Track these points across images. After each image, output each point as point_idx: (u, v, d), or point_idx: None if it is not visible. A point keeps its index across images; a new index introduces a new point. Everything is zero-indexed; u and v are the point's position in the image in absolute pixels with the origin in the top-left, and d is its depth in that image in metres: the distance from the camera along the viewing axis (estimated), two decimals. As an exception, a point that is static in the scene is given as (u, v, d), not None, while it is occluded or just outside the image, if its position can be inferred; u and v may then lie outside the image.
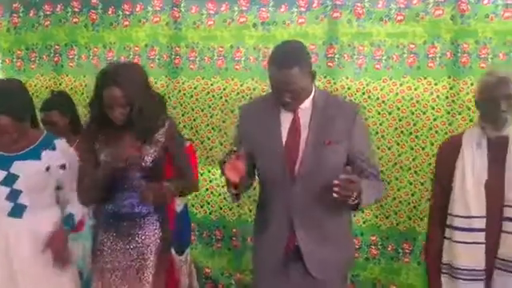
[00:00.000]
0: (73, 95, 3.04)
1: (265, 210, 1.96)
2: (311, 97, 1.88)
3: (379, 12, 2.76)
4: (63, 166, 2.04)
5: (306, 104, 1.87)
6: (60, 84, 3.15)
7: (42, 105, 2.57)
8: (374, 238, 2.82)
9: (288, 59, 1.78)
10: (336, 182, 1.66)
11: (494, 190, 1.94)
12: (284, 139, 1.87)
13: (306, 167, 1.84)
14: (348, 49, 2.80)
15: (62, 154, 2.05)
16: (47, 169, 1.99)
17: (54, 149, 2.02)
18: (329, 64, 2.81)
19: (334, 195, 1.66)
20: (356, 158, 1.87)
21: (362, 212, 2.81)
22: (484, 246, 1.93)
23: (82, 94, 3.11)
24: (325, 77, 2.81)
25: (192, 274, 2.75)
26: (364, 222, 2.82)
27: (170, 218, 2.37)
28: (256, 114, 1.96)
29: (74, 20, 3.15)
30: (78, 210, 2.08)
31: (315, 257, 1.86)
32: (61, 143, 2.07)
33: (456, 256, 1.97)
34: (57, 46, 3.18)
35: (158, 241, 2.05)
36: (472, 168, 1.96)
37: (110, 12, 3.09)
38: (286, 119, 1.89)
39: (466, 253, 1.95)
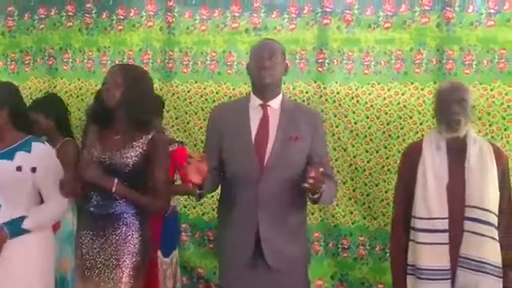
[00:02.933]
0: (67, 98, 3.11)
1: (231, 205, 2.05)
2: (280, 99, 2.05)
3: (368, 19, 2.84)
4: (34, 169, 2.03)
5: (276, 104, 2.03)
6: (54, 87, 3.18)
7: (29, 105, 2.62)
8: (362, 238, 2.90)
9: (271, 40, 2.13)
10: (312, 173, 1.76)
11: (455, 191, 2.05)
12: (253, 135, 2.00)
13: (273, 160, 1.96)
14: (337, 54, 2.88)
15: (37, 157, 2.05)
16: (18, 169, 2.00)
17: (29, 151, 2.04)
18: (319, 69, 2.89)
19: (306, 185, 1.77)
20: (315, 158, 2.01)
21: (351, 213, 2.89)
22: (448, 246, 2.03)
23: (77, 96, 3.15)
24: (315, 81, 2.89)
25: (177, 275, 2.78)
26: (353, 223, 2.90)
27: (158, 221, 2.42)
28: (226, 115, 2.10)
29: (69, 24, 3.19)
30: (49, 212, 2.10)
31: (276, 249, 1.95)
32: (39, 147, 2.08)
33: (420, 257, 2.06)
34: (51, 50, 3.21)
35: (136, 241, 2.07)
36: (433, 171, 2.08)
37: (104, 16, 3.14)
38: (255, 117, 2.03)
39: (429, 253, 2.04)
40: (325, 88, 2.88)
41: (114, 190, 1.97)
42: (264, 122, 2.00)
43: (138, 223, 2.08)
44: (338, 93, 2.88)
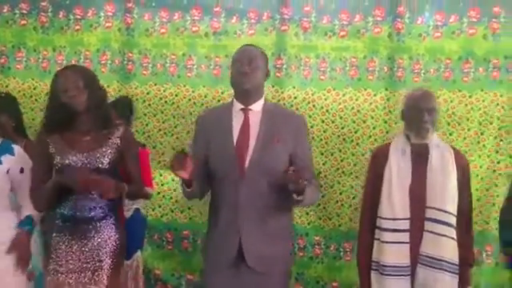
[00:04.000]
0: (20, 98, 3.01)
1: (215, 209, 2.09)
2: (262, 103, 2.07)
3: (324, 27, 2.96)
4: (22, 170, 2.07)
5: (257, 108, 2.05)
6: (7, 86, 3.08)
7: None
8: (317, 238, 3.00)
9: (251, 46, 2.14)
10: (292, 168, 1.81)
11: (417, 193, 2.17)
12: (235, 138, 2.02)
13: (254, 163, 1.98)
14: (295, 60, 2.98)
15: (20, 158, 2.08)
16: (7, 171, 2.02)
17: (13, 154, 2.05)
18: (277, 74, 2.98)
19: (291, 187, 1.81)
20: (298, 161, 2.04)
21: (307, 214, 2.99)
22: (409, 244, 2.15)
23: (31, 96, 3.07)
24: (273, 86, 2.97)
25: (138, 277, 2.78)
26: (308, 224, 3.00)
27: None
28: (211, 120, 2.13)
29: (22, 22, 3.11)
30: (33, 209, 2.10)
31: (257, 251, 1.98)
32: (18, 148, 2.11)
33: (384, 254, 2.18)
34: (3, 48, 3.11)
35: (115, 243, 2.10)
36: (397, 174, 2.20)
37: (60, 16, 3.08)
38: (237, 121, 2.05)
39: (392, 251, 2.16)
40: (282, 92, 2.97)
41: (125, 189, 2.05)
42: (245, 125, 2.03)
43: (115, 225, 2.11)
44: (295, 97, 2.97)
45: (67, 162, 2.00)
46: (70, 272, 2.04)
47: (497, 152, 2.90)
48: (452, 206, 2.17)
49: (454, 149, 2.30)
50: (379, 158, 2.28)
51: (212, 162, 2.06)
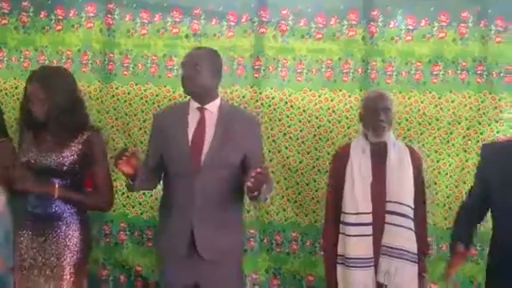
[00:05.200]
0: (2, 97, 3.06)
1: (168, 202, 2.20)
2: (218, 104, 2.19)
3: (301, 30, 3.06)
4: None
5: (213, 108, 2.17)
6: (-12, 86, 3.12)
7: None
8: (294, 234, 3.09)
9: (199, 49, 2.27)
10: (253, 173, 1.90)
11: (377, 189, 2.33)
12: (190, 135, 2.14)
13: (209, 161, 2.10)
14: (273, 62, 3.06)
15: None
16: None
17: None
18: (255, 75, 3.06)
19: (249, 184, 1.91)
20: (251, 158, 2.17)
21: (284, 211, 3.08)
22: (371, 237, 2.30)
23: (13, 96, 3.09)
24: (251, 87, 3.06)
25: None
26: (285, 220, 3.09)
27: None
28: (168, 117, 2.25)
29: (3, 22, 3.13)
30: None
31: (209, 242, 2.09)
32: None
33: (348, 248, 2.32)
34: (-16, 47, 3.14)
35: (77, 240, 2.15)
36: (359, 172, 2.36)
37: (42, 16, 3.11)
38: (193, 119, 2.18)
39: (356, 244, 2.31)
40: (261, 93, 3.06)
41: (56, 195, 2.04)
42: (201, 124, 2.15)
43: (78, 222, 2.15)
44: (273, 98, 3.06)
45: (25, 159, 2.07)
46: (32, 267, 2.10)
47: (465, 151, 3.03)
48: (409, 200, 2.34)
49: (409, 147, 2.48)
50: (341, 158, 2.45)
51: (167, 158, 2.18)
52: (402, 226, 2.31)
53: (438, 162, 3.02)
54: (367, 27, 3.05)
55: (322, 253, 2.45)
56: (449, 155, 3.02)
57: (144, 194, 3.08)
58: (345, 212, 2.37)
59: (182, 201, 2.13)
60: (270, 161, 3.06)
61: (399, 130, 3.00)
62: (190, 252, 2.10)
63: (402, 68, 3.05)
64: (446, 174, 3.02)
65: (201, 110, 2.17)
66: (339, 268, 2.37)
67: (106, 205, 2.32)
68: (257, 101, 3.05)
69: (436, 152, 3.02)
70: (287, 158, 3.05)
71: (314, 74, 3.07)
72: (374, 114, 2.36)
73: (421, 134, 3.02)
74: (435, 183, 3.01)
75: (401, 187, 2.34)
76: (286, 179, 3.07)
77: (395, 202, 2.32)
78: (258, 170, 1.92)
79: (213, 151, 2.11)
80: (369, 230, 2.32)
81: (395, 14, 3.07)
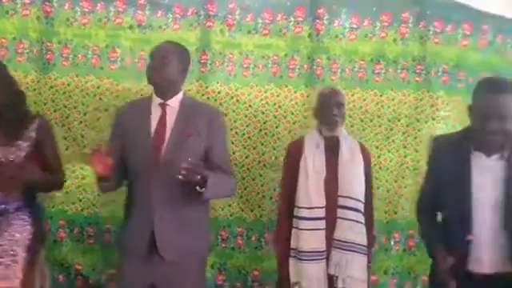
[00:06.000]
0: None
1: (130, 200, 2.16)
2: (180, 98, 2.17)
3: (248, 25, 3.05)
4: None
5: (174, 103, 2.14)
6: None
7: None
8: (239, 229, 3.09)
9: (168, 43, 2.23)
10: (183, 165, 1.88)
11: (330, 183, 2.38)
12: (152, 132, 2.10)
13: (169, 157, 2.06)
14: (219, 56, 3.04)
15: None
16: None
17: None
18: (201, 69, 3.02)
19: (180, 176, 1.88)
20: (212, 154, 2.15)
21: (229, 206, 3.07)
22: (324, 231, 2.35)
23: None
24: (197, 81, 3.02)
25: (43, 274, 2.69)
26: (231, 215, 3.08)
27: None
28: (129, 113, 2.21)
29: None
30: None
31: (169, 241, 2.05)
32: None
33: (302, 241, 2.36)
34: None
35: (30, 237, 2.08)
36: (313, 166, 2.41)
37: (-28, 1, 2.92)
38: (155, 115, 2.14)
39: (309, 238, 2.36)
40: (207, 87, 3.02)
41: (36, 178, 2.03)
42: (162, 120, 2.10)
43: (30, 219, 2.07)
44: (219, 92, 3.04)
45: None
46: None
47: (404, 147, 3.15)
48: (361, 194, 2.41)
49: (359, 142, 2.56)
50: (295, 152, 2.48)
51: (128, 155, 2.12)
52: (353, 221, 2.37)
53: (378, 157, 3.12)
54: (313, 24, 3.09)
55: (274, 246, 2.46)
56: (389, 151, 3.13)
57: (84, 190, 2.97)
58: (298, 206, 2.40)
59: (142, 199, 2.08)
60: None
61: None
62: (151, 252, 2.05)
63: (345, 66, 3.12)
64: (387, 169, 3.13)
65: (162, 105, 2.14)
66: (292, 261, 2.40)
67: (61, 185, 2.38)
68: (203, 95, 3.02)
69: (377, 148, 3.12)
70: (233, 153, 3.04)
71: (261, 69, 3.07)
72: (328, 108, 2.42)
73: (363, 130, 3.11)
74: (376, 178, 3.09)
75: (352, 182, 2.40)
76: (231, 174, 3.05)
77: (347, 197, 2.38)
78: (187, 162, 1.89)
79: (172, 146, 2.06)
80: (322, 224, 2.36)
81: (340, 13, 3.12)
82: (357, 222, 2.38)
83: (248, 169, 3.06)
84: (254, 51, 3.06)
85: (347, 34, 3.13)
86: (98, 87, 2.98)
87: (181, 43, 2.34)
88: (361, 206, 2.40)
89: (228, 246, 3.09)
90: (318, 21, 3.09)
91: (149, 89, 2.90)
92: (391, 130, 3.13)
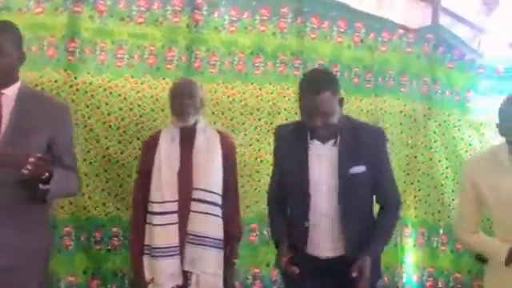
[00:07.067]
0: None
1: None
2: (17, 88, 1.93)
3: (121, 12, 2.87)
4: None
5: (10, 92, 1.90)
6: None
7: None
8: (115, 229, 2.88)
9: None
10: (31, 159, 1.71)
11: (185, 176, 2.34)
12: None
13: (4, 150, 1.82)
14: (90, 44, 2.82)
15: None
16: None
17: None
18: (69, 58, 2.78)
19: (24, 171, 1.71)
20: (56, 149, 1.96)
21: (104, 205, 2.86)
22: (177, 225, 2.30)
23: None
24: (65, 70, 2.77)
25: None
26: (106, 215, 2.85)
27: None
28: None
29: None
30: None
31: (1, 244, 1.83)
32: None
33: (154, 237, 2.30)
34: None
35: None
36: (167, 159, 2.37)
37: None
38: None
39: (162, 233, 2.30)
40: (76, 78, 2.79)
41: None
42: None
43: None
44: (90, 83, 2.82)
45: None
46: None
47: (284, 140, 3.18)
48: (217, 186, 2.37)
49: (220, 132, 2.52)
50: (151, 145, 2.42)
51: None
52: (207, 214, 2.33)
53: (259, 150, 3.11)
54: (192, 15, 2.99)
55: (128, 245, 2.37)
56: (269, 144, 3.10)
57: None
58: (151, 201, 2.34)
59: None
60: (88, 152, 2.82)
61: (222, 119, 3.03)
62: None
63: (225, 58, 3.06)
64: (268, 162, 3.13)
65: None
66: (145, 258, 2.34)
67: None
68: (71, 86, 2.78)
69: (258, 141, 3.12)
70: (107, 148, 2.85)
71: (136, 60, 2.91)
72: (179, 99, 2.40)
73: (243, 123, 3.08)
74: (257, 171, 3.10)
75: (207, 174, 2.35)
76: (106, 171, 2.86)
77: (201, 190, 2.33)
78: (38, 155, 1.72)
79: (7, 141, 1.83)
80: (174, 218, 2.31)
81: (219, 4, 3.06)
82: (212, 215, 2.34)
83: (123, 165, 2.88)
84: (128, 40, 2.89)
85: (227, 25, 3.08)
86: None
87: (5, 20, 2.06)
88: (217, 199, 2.37)
89: (103, 248, 2.88)
90: (196, 11, 3.00)
91: None
92: (271, 123, 3.13)
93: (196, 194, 2.32)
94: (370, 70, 3.39)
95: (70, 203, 2.79)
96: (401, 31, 3.49)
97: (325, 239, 2.05)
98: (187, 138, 2.40)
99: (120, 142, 2.88)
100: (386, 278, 3.33)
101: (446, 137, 3.51)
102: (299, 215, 2.07)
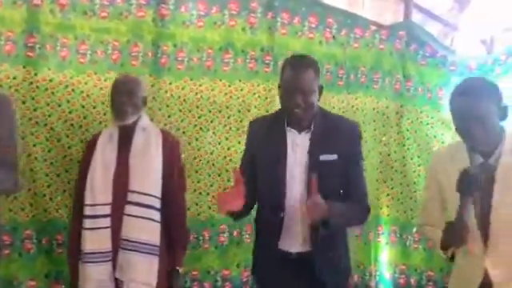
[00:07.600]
0: None
1: None
2: None
3: (83, 5, 2.75)
4: None
5: None
6: None
7: None
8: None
9: None
10: None
11: (120, 177, 2.24)
12: None
13: None
14: (50, 40, 2.69)
15: None
16: None
17: None
18: (29, 54, 2.65)
19: None
20: None
21: (66, 207, 2.73)
22: (110, 229, 2.20)
23: None
24: (24, 67, 2.64)
25: None
26: (67, 216, 2.73)
27: None
28: None
29: None
30: None
31: None
32: None
33: (86, 242, 2.21)
34: None
35: None
36: (102, 160, 2.26)
37: None
38: None
39: (93, 238, 2.20)
40: (36, 75, 2.67)
41: None
42: None
43: None
44: (50, 80, 2.70)
45: None
46: None
47: (255, 138, 3.11)
48: (155, 189, 2.25)
49: (163, 131, 2.42)
50: (90, 146, 2.34)
51: None
52: (142, 218, 2.22)
53: (228, 149, 3.04)
54: (158, 9, 2.89)
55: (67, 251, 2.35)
56: (239, 142, 3.05)
57: None
58: (85, 204, 2.25)
59: None
60: (49, 151, 2.71)
61: (190, 117, 2.94)
62: None
63: (193, 54, 2.98)
64: (237, 161, 3.05)
65: None
66: (80, 265, 2.25)
67: None
68: (31, 83, 2.66)
69: (227, 140, 3.04)
70: (69, 147, 2.73)
71: (100, 55, 2.80)
72: (116, 97, 2.31)
73: (211, 121, 3.00)
74: (226, 170, 3.02)
75: (144, 176, 2.25)
76: (67, 171, 2.74)
77: (137, 192, 2.24)
78: None
79: None
80: (106, 222, 2.21)
81: (187, -1, 2.97)
82: (147, 219, 2.23)
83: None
84: (91, 35, 2.77)
85: (195, 20, 2.99)
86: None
87: None
88: (155, 202, 2.25)
89: (65, 251, 2.75)
90: (163, 5, 2.90)
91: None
92: (241, 121, 3.07)
93: (131, 197, 2.21)
94: (342, 66, 3.34)
95: (31, 205, 2.67)
96: (373, 28, 3.45)
97: (297, 231, 2.02)
98: (125, 138, 2.30)
99: (82, 142, 2.75)
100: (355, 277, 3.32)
101: (418, 134, 3.49)
102: (273, 206, 2.04)
